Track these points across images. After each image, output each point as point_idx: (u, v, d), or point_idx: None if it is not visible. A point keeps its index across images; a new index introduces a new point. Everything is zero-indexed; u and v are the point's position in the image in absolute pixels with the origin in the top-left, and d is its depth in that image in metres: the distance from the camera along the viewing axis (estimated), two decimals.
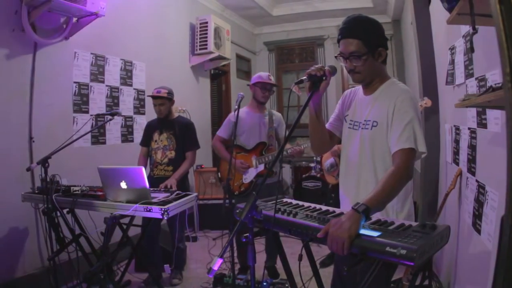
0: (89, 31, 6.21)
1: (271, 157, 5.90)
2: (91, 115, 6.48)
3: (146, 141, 6.27)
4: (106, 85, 6.87)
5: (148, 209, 4.27)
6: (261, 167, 5.96)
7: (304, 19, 12.67)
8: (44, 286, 5.22)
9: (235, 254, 5.60)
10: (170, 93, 6.03)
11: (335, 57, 3.00)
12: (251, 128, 5.94)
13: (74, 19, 6.04)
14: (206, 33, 9.20)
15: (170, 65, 8.64)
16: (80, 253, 4.94)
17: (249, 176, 6.00)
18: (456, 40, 4.48)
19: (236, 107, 5.37)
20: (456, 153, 4.75)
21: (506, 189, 1.34)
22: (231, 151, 5.39)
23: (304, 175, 9.56)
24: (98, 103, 6.69)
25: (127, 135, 7.34)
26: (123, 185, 4.41)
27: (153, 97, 6.01)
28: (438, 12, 5.32)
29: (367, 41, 2.81)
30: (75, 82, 6.25)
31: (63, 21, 5.98)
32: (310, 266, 3.07)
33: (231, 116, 6.08)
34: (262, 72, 6.18)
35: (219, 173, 6.40)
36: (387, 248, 2.07)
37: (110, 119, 5.38)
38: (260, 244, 6.69)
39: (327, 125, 3.31)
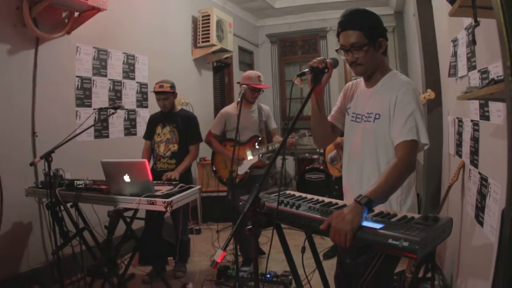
0: (91, 25, 6.21)
1: (264, 149, 6.15)
2: (94, 109, 6.50)
3: (149, 134, 6.27)
4: (109, 79, 6.87)
5: (151, 202, 4.29)
6: (255, 159, 6.18)
7: (307, 11, 12.66)
8: (48, 280, 5.26)
9: (238, 247, 5.64)
10: (173, 86, 6.02)
11: (336, 51, 3.00)
12: (243, 124, 6.00)
13: (76, 14, 6.04)
14: (208, 26, 9.19)
15: (172, 58, 8.64)
16: (84, 246, 4.95)
17: (244, 167, 6.19)
18: (459, 32, 4.47)
19: (239, 100, 5.42)
20: (459, 145, 4.75)
21: (507, 183, 1.35)
22: (234, 145, 5.40)
23: (307, 167, 9.58)
24: (100, 97, 6.70)
25: (130, 129, 7.35)
26: (127, 178, 4.42)
27: (156, 93, 6.01)
28: (440, 4, 5.30)
29: (367, 32, 2.80)
30: (77, 76, 6.26)
31: (65, 15, 5.98)
32: (313, 258, 3.07)
33: (223, 111, 6.40)
34: (252, 72, 6.26)
35: (213, 166, 6.57)
36: (390, 240, 2.08)
37: (113, 113, 5.39)
38: (263, 237, 6.71)
39: (329, 118, 3.32)
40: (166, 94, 5.96)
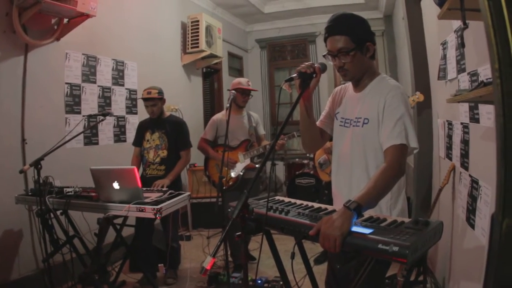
0: (80, 31, 6.20)
1: (255, 152, 6.35)
2: (83, 116, 6.47)
3: (139, 141, 6.27)
4: (98, 86, 6.85)
5: (141, 209, 4.28)
6: (247, 161, 6.36)
7: (296, 16, 12.65)
8: None
9: (229, 253, 5.66)
10: (161, 92, 6.02)
11: (323, 56, 2.98)
12: (234, 129, 6.22)
13: (65, 20, 6.02)
14: (198, 32, 9.19)
15: (162, 64, 8.63)
16: (74, 254, 4.94)
17: (237, 170, 6.36)
18: (448, 35, 4.48)
19: (228, 105, 5.46)
20: (449, 148, 4.75)
21: (496, 186, 1.34)
22: (224, 150, 5.42)
23: (297, 172, 9.58)
24: (90, 103, 6.67)
25: (119, 135, 7.33)
26: (116, 185, 4.42)
27: (144, 99, 6.00)
28: (429, 7, 5.32)
29: (354, 37, 2.79)
30: (67, 83, 6.23)
31: (54, 22, 5.97)
32: (304, 264, 3.06)
33: (215, 118, 6.55)
34: (242, 78, 6.52)
35: (206, 171, 6.68)
36: (379, 245, 2.07)
37: (102, 120, 5.37)
38: (254, 242, 6.70)
39: (318, 123, 3.30)
40: (154, 100, 5.96)
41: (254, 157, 6.40)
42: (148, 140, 6.13)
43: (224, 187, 5.97)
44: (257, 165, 6.30)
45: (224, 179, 5.56)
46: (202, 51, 9.28)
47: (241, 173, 6.31)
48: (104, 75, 7.01)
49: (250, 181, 6.13)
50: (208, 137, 6.46)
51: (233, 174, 6.33)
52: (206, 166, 6.65)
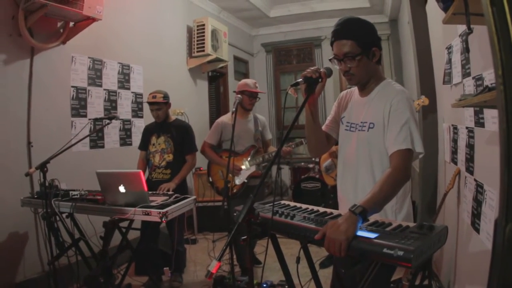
0: (86, 35, 6.21)
1: (261, 159, 6.17)
2: (89, 119, 6.48)
3: (144, 145, 6.28)
4: (104, 89, 6.87)
5: (146, 213, 4.28)
6: (253, 169, 6.20)
7: (301, 20, 12.68)
8: None
9: (235, 257, 5.64)
10: (166, 96, 6.03)
11: (329, 60, 2.99)
12: (239, 134, 6.07)
13: (71, 24, 6.05)
14: (203, 36, 9.20)
15: (167, 68, 8.64)
16: (80, 257, 4.94)
17: (241, 177, 6.20)
18: (453, 39, 4.48)
19: (234, 109, 5.42)
20: (454, 152, 4.75)
21: (499, 192, 1.35)
22: (229, 155, 5.39)
23: (303, 176, 9.55)
24: (96, 107, 6.69)
25: (125, 139, 7.34)
26: (122, 189, 4.42)
27: (150, 103, 6.02)
28: (434, 11, 5.32)
29: (360, 41, 2.80)
30: (72, 86, 6.26)
31: (60, 25, 5.99)
32: (309, 268, 3.06)
33: (219, 121, 6.42)
34: (249, 80, 6.32)
35: (210, 177, 6.53)
36: (384, 250, 2.07)
37: (108, 123, 5.37)
38: (260, 246, 6.69)
39: (323, 127, 3.30)
40: (159, 104, 5.97)
41: (260, 164, 6.26)
42: (154, 144, 6.15)
43: (229, 194, 5.96)
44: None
45: (229, 183, 5.52)
46: (208, 55, 9.29)
47: (246, 181, 6.19)
48: (110, 79, 7.04)
49: (255, 187, 6.10)
50: (211, 141, 6.34)
51: (237, 181, 6.19)
52: (209, 172, 6.53)
